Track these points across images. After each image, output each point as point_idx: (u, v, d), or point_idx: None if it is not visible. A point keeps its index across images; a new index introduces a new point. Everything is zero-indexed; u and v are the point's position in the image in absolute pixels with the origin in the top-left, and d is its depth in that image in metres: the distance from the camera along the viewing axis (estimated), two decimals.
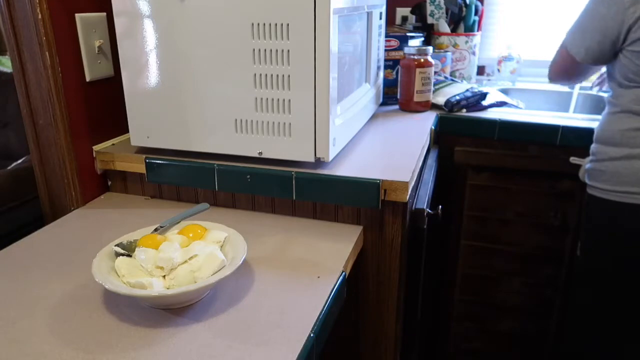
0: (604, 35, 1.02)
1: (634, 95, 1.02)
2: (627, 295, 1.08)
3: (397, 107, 1.38)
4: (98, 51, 0.97)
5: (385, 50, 1.34)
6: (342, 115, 0.94)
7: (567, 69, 1.16)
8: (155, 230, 0.74)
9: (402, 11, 1.86)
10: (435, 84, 1.42)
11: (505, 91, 1.68)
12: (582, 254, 1.15)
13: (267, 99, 0.86)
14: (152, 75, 0.91)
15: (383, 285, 0.93)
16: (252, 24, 0.82)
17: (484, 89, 1.45)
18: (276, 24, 0.81)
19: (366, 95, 1.14)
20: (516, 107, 1.48)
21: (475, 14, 1.66)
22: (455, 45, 1.64)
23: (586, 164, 1.14)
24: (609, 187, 1.05)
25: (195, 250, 0.67)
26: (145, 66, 0.91)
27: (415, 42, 1.41)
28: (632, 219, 1.03)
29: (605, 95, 1.17)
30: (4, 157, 1.79)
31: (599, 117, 1.13)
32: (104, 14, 0.98)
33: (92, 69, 0.97)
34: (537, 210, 1.38)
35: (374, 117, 1.27)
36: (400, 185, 0.84)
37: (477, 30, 1.67)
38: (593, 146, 1.11)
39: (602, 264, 1.10)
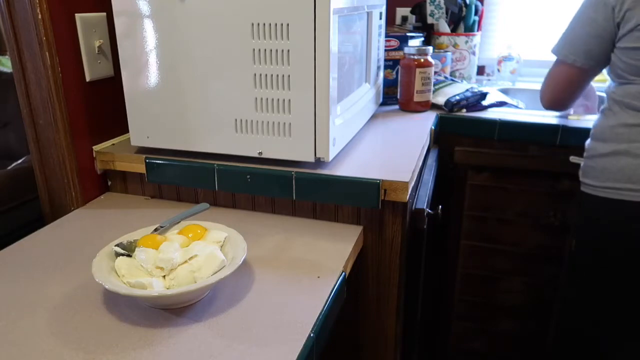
0: (600, 37, 1.04)
1: (622, 92, 1.03)
2: (614, 293, 1.08)
3: (397, 107, 1.38)
4: (98, 51, 0.97)
5: (385, 50, 1.34)
6: (342, 115, 0.94)
7: (569, 82, 1.14)
8: (155, 230, 0.74)
9: (402, 11, 1.86)
10: (435, 84, 1.42)
11: (505, 91, 1.68)
12: (575, 251, 1.16)
13: (267, 99, 0.86)
14: (152, 75, 0.91)
15: (383, 285, 0.93)
16: (252, 24, 0.82)
17: (484, 89, 1.45)
18: (276, 24, 0.81)
19: (366, 95, 1.14)
20: (516, 107, 1.48)
21: (475, 14, 1.66)
22: (455, 45, 1.64)
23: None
24: (598, 184, 1.06)
25: (195, 250, 0.67)
26: (145, 66, 0.91)
27: (415, 42, 1.41)
28: (617, 215, 1.04)
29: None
30: (4, 157, 1.79)
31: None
32: (104, 14, 0.98)
33: (92, 69, 0.97)
34: (537, 210, 1.38)
35: (374, 117, 1.27)
36: (400, 185, 0.84)
37: (477, 30, 1.67)
38: (586, 142, 1.12)
39: (590, 261, 1.11)
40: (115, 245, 0.69)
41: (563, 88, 1.16)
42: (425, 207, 0.98)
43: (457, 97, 1.37)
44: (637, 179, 1.00)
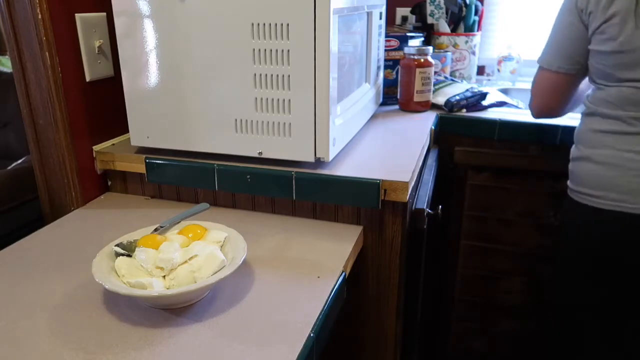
0: (580, 39, 1.03)
1: (593, 97, 1.04)
2: (581, 291, 1.09)
3: (397, 107, 1.38)
4: (98, 51, 0.97)
5: (385, 50, 1.34)
6: (342, 115, 0.94)
7: (556, 89, 1.11)
8: (155, 230, 0.74)
9: (402, 11, 1.86)
10: (435, 84, 1.42)
11: (505, 91, 1.68)
12: (557, 252, 1.18)
13: (267, 99, 0.86)
14: (152, 75, 0.91)
15: (383, 285, 0.93)
16: (252, 24, 0.82)
17: (484, 89, 1.45)
18: (276, 24, 0.81)
19: (366, 95, 1.14)
20: (516, 107, 1.48)
21: (475, 14, 1.66)
22: (455, 45, 1.64)
23: None
24: (572, 186, 1.08)
25: (195, 250, 0.67)
26: (145, 66, 0.91)
27: (415, 42, 1.41)
28: (582, 218, 1.06)
29: None
30: (4, 157, 1.79)
31: None
32: (104, 14, 0.98)
33: (92, 69, 0.97)
34: (537, 210, 1.38)
35: (374, 117, 1.27)
36: (400, 185, 0.84)
37: (477, 30, 1.67)
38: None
39: (563, 261, 1.13)
40: (115, 245, 0.69)
41: (553, 96, 1.13)
42: (425, 207, 0.98)
43: (457, 97, 1.37)
44: (595, 185, 1.02)
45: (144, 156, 0.96)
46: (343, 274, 0.75)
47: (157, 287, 0.63)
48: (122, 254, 0.68)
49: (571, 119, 1.32)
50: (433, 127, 1.23)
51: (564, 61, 1.07)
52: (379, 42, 1.23)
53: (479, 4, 1.67)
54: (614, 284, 1.04)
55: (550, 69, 1.09)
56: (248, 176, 0.90)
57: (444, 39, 1.65)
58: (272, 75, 0.84)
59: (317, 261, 0.77)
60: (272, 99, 0.86)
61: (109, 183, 1.03)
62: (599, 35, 0.99)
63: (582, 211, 1.05)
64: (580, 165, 1.05)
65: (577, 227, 1.08)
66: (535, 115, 1.19)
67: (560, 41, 1.07)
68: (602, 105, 1.01)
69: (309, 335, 0.61)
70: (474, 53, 1.66)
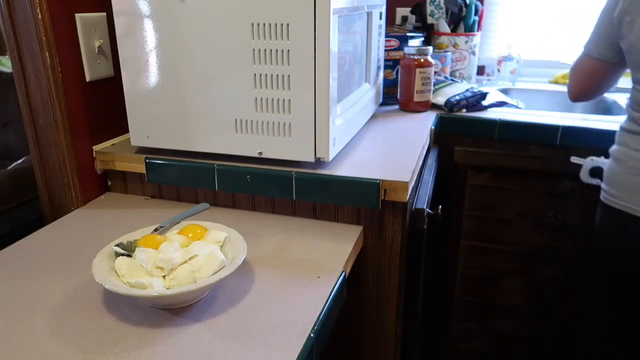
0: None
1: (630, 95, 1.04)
2: (608, 291, 1.09)
3: (397, 107, 1.38)
4: (98, 51, 0.97)
5: (385, 50, 1.34)
6: (342, 115, 0.94)
7: (595, 75, 1.10)
8: (155, 230, 0.74)
9: (402, 11, 1.86)
10: (435, 84, 1.42)
11: (505, 91, 1.68)
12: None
13: (267, 99, 0.86)
14: (152, 75, 0.91)
15: (383, 285, 0.93)
16: (252, 24, 0.82)
17: (484, 89, 1.45)
18: (276, 24, 0.81)
19: (366, 95, 1.14)
20: (516, 107, 1.48)
21: (475, 14, 1.66)
22: (455, 45, 1.64)
23: (587, 163, 1.15)
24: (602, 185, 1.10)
25: (195, 250, 0.67)
26: (145, 66, 0.91)
27: (415, 42, 1.41)
28: (599, 215, 1.07)
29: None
30: (4, 157, 1.79)
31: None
32: (104, 14, 0.98)
33: (92, 69, 0.97)
34: (537, 210, 1.38)
35: (374, 117, 1.27)
36: (400, 185, 0.84)
37: (477, 30, 1.67)
38: None
39: (593, 263, 1.13)
40: (115, 245, 0.69)
41: (590, 81, 1.12)
42: (425, 207, 0.98)
43: (457, 97, 1.37)
44: (607, 180, 1.04)
45: (144, 156, 0.96)
46: (343, 274, 0.75)
47: (157, 287, 0.63)
48: (122, 254, 0.68)
49: (571, 119, 1.32)
50: (433, 127, 1.23)
51: (604, 49, 1.06)
52: (379, 42, 1.23)
53: (479, 4, 1.67)
54: (630, 284, 1.04)
55: (592, 56, 1.09)
56: (248, 176, 0.90)
57: (444, 39, 1.65)
58: (272, 75, 0.84)
59: (317, 261, 0.77)
60: (272, 99, 0.86)
61: (109, 183, 1.03)
62: (619, 31, 0.98)
63: (601, 207, 1.07)
64: (608, 161, 1.07)
65: (600, 221, 1.09)
66: (572, 98, 1.19)
67: (602, 29, 1.06)
68: (629, 104, 1.02)
69: (309, 335, 0.61)
70: (474, 53, 1.66)
